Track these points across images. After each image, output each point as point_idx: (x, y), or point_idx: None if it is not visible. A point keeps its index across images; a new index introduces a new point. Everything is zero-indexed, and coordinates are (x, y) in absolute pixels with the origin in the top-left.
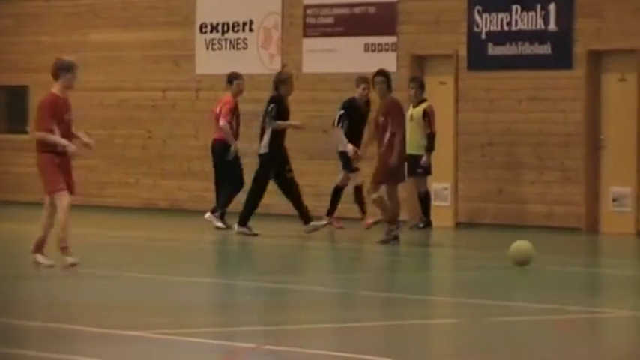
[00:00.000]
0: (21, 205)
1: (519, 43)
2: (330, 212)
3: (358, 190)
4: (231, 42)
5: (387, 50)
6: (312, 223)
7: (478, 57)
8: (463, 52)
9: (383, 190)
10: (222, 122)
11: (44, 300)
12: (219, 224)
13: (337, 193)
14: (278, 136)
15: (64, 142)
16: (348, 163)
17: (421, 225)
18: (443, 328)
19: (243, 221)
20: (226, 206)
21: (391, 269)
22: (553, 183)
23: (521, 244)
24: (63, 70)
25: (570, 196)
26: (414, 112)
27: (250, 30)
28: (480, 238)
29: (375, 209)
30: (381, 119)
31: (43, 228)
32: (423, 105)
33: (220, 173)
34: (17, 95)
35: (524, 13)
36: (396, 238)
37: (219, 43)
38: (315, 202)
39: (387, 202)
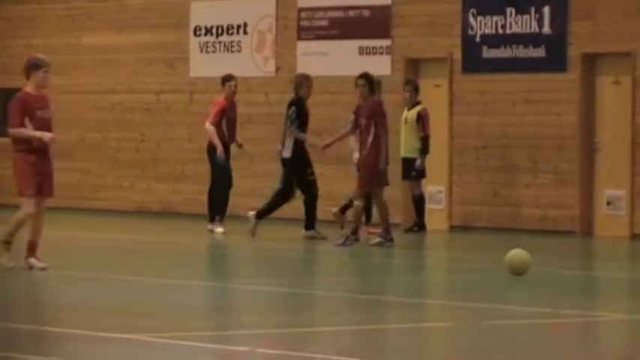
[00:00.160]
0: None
1: (514, 46)
2: (367, 219)
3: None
4: (225, 45)
5: (381, 53)
6: (312, 232)
7: (472, 60)
8: (458, 55)
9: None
10: (206, 124)
11: (35, 303)
12: (220, 229)
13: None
14: (301, 141)
15: (37, 133)
16: None
17: (415, 228)
18: (437, 331)
19: (260, 214)
20: (224, 210)
21: (385, 272)
22: (547, 186)
23: (518, 254)
24: (32, 68)
25: (565, 199)
26: (408, 115)
27: (244, 33)
28: (474, 241)
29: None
30: (364, 121)
31: (31, 232)
32: (417, 108)
33: (219, 175)
34: (10, 98)
35: (519, 16)
36: (391, 240)
37: (213, 45)
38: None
39: (374, 207)
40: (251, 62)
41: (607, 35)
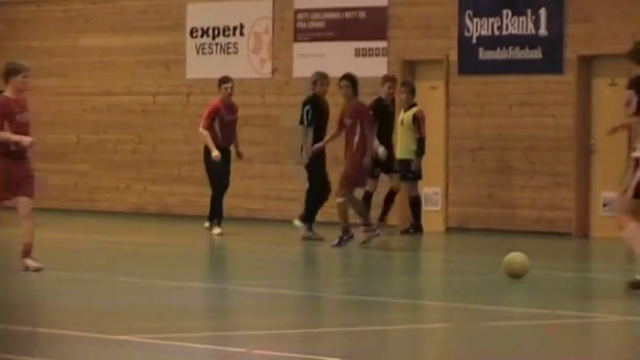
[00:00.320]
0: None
1: (510, 48)
2: (382, 217)
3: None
4: (221, 46)
5: (377, 55)
6: (309, 233)
7: (469, 62)
8: (454, 56)
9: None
10: (200, 128)
11: (31, 304)
12: (217, 230)
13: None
14: (319, 139)
15: (15, 137)
16: (372, 169)
17: (411, 230)
18: (434, 333)
19: (304, 219)
20: (222, 212)
21: (381, 273)
22: (544, 188)
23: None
24: (11, 73)
25: (561, 200)
26: (404, 117)
27: (241, 34)
28: (470, 243)
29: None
30: (348, 121)
31: (22, 234)
32: (414, 110)
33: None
34: None
35: (515, 17)
36: (375, 236)
37: (209, 47)
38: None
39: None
40: (247, 64)
41: (603, 37)
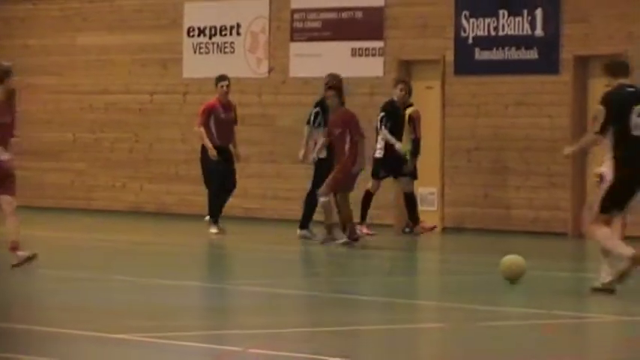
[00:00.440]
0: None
1: (506, 48)
2: (362, 219)
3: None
4: (218, 45)
5: (374, 55)
6: (305, 232)
7: (465, 62)
8: (450, 57)
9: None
10: (195, 126)
11: (28, 303)
12: (214, 230)
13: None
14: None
15: None
16: (377, 170)
17: (407, 229)
18: (430, 332)
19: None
20: (218, 212)
21: (378, 273)
22: (539, 188)
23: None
24: None
25: (557, 201)
26: None
27: (238, 34)
28: (466, 243)
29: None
30: (337, 131)
31: (10, 232)
32: (409, 110)
33: (208, 176)
34: None
35: (511, 18)
36: (356, 239)
37: (206, 46)
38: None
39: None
40: (244, 63)
41: (599, 38)
